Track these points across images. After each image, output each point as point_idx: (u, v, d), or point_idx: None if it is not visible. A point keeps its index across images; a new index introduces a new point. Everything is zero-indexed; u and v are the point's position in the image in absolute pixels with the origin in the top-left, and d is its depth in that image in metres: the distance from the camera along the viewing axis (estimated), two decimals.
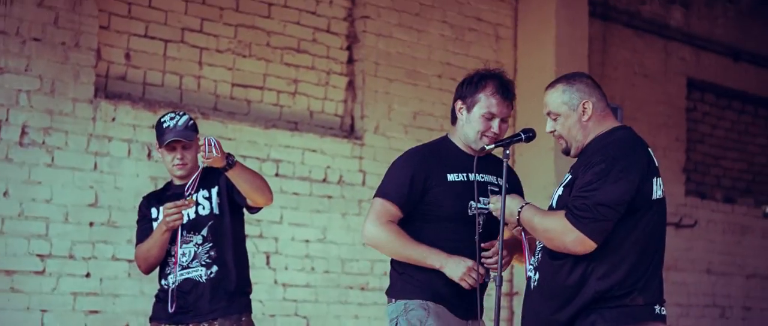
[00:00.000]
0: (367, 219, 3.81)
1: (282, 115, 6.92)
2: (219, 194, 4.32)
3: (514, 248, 3.81)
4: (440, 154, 3.86)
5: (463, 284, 3.71)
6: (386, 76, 7.34)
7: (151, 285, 6.07)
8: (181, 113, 4.37)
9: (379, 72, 7.31)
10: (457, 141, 3.89)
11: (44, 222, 5.77)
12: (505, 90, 3.83)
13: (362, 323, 7.10)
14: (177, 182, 4.39)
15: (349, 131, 7.23)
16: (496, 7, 8.04)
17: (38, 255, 5.75)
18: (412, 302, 3.77)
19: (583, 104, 3.52)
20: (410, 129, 7.46)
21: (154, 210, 4.41)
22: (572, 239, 3.34)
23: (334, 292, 6.99)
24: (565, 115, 3.54)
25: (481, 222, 3.79)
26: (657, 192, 3.44)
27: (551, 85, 3.62)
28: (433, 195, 3.79)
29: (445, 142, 3.93)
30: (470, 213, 3.78)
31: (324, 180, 6.95)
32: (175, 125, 4.29)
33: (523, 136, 3.77)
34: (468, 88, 3.84)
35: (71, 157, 5.87)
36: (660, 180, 3.49)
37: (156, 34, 6.35)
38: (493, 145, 3.77)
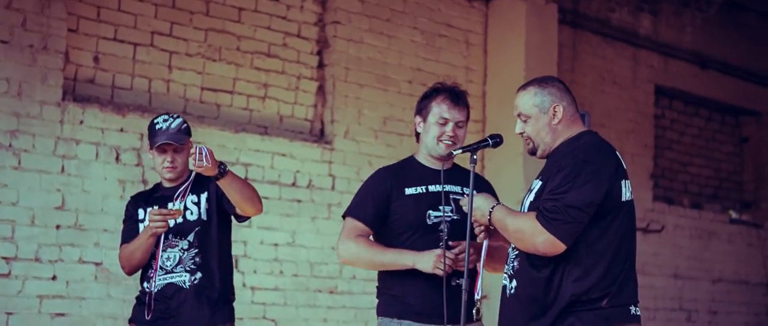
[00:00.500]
0: (338, 240, 4.00)
1: (252, 119, 6.93)
2: (208, 200, 4.29)
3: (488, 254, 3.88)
4: (402, 171, 4.03)
5: (438, 272, 3.79)
6: (356, 81, 7.37)
7: (117, 288, 6.07)
8: (175, 116, 4.34)
9: (350, 77, 7.33)
10: (421, 157, 4.05)
11: (10, 225, 5.74)
12: (455, 96, 4.00)
13: None
14: (166, 184, 4.37)
15: (319, 136, 7.25)
16: (467, 14, 8.09)
17: (4, 258, 5.72)
18: (383, 320, 3.97)
19: (554, 107, 3.57)
20: (380, 134, 7.48)
21: (140, 212, 4.39)
22: (542, 240, 3.38)
23: (303, 296, 7.00)
24: (536, 117, 3.59)
25: (445, 230, 3.90)
26: (626, 194, 3.49)
27: (523, 87, 3.66)
28: (393, 209, 3.95)
29: (409, 161, 4.10)
30: (429, 223, 3.89)
31: (293, 185, 6.96)
32: (168, 128, 4.27)
33: (490, 141, 3.82)
34: (422, 103, 4.05)
35: (38, 159, 5.84)
36: (628, 182, 3.55)
37: (125, 38, 6.34)
38: (460, 150, 3.84)
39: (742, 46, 10.56)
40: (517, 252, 3.57)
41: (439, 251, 3.82)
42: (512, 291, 3.57)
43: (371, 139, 7.42)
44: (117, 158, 6.14)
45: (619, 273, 3.45)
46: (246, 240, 6.70)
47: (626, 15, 9.44)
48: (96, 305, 6.03)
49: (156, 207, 4.26)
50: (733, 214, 10.51)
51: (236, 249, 6.60)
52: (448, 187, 3.95)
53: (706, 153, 10.60)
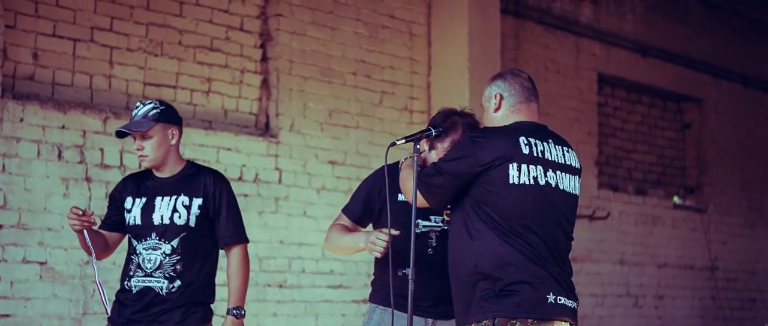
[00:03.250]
0: None
1: (196, 113, 6.88)
2: (201, 207, 4.17)
3: None
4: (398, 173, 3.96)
5: (373, 253, 3.83)
6: (301, 74, 7.35)
7: (63, 287, 6.00)
8: (149, 102, 4.21)
9: (294, 70, 7.31)
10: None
11: None
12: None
13: (281, 321, 7.10)
14: (156, 173, 4.24)
15: (264, 129, 7.22)
16: (409, 5, 8.10)
17: None
18: (371, 306, 4.11)
19: (494, 96, 3.68)
20: (326, 126, 7.47)
21: (129, 200, 4.22)
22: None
23: (252, 291, 6.96)
24: (485, 107, 3.73)
25: (433, 238, 3.96)
26: (519, 178, 3.51)
27: None
28: (386, 212, 3.91)
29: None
30: (417, 232, 3.88)
31: (240, 179, 6.93)
32: (135, 115, 4.17)
33: (433, 130, 3.85)
34: (444, 124, 3.90)
35: None
36: (535, 168, 3.54)
37: (64, 34, 6.26)
38: (402, 140, 3.84)
39: (682, 33, 10.71)
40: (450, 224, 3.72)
41: (375, 233, 3.85)
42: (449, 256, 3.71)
43: (317, 131, 7.41)
44: (59, 156, 6.06)
45: (522, 259, 3.48)
46: None
47: (567, 4, 9.53)
48: (41, 305, 5.96)
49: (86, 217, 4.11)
50: (677, 200, 10.67)
51: None
52: None
53: (650, 139, 10.75)
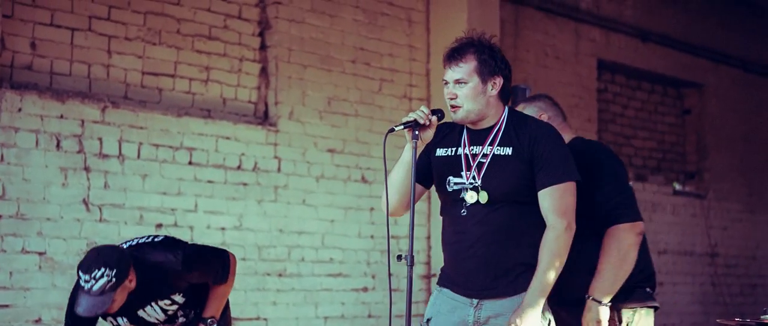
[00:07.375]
0: None
1: (194, 102, 6.86)
2: (185, 294, 4.23)
3: None
4: (446, 128, 3.80)
5: (421, 120, 3.60)
6: (300, 62, 7.32)
7: (62, 277, 5.99)
8: (97, 274, 3.86)
9: (293, 58, 7.29)
10: None
11: None
12: (450, 53, 3.78)
13: (280, 309, 7.10)
14: None
15: (263, 118, 7.20)
16: None
17: None
18: (435, 288, 3.88)
19: (538, 115, 4.18)
20: (325, 114, 7.45)
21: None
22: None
23: (252, 279, 6.97)
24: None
25: (465, 199, 3.67)
26: None
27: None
28: (432, 169, 3.78)
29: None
30: (449, 190, 3.70)
31: (238, 168, 6.92)
32: (90, 289, 3.87)
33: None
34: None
35: None
36: None
37: (62, 23, 6.23)
38: (401, 126, 3.76)
39: (682, 19, 10.68)
40: None
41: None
42: None
43: (316, 119, 7.39)
44: (58, 145, 6.05)
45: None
46: (192, 225, 6.65)
47: None
48: (41, 295, 5.95)
49: None
50: (677, 186, 10.66)
51: (183, 235, 6.56)
52: (476, 149, 3.72)
53: (649, 125, 10.73)
